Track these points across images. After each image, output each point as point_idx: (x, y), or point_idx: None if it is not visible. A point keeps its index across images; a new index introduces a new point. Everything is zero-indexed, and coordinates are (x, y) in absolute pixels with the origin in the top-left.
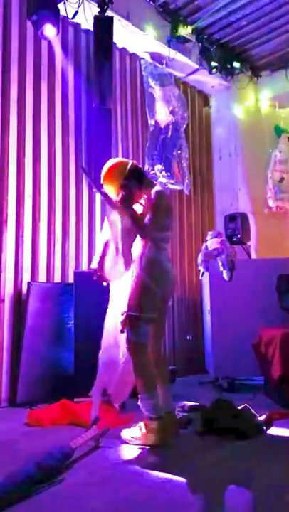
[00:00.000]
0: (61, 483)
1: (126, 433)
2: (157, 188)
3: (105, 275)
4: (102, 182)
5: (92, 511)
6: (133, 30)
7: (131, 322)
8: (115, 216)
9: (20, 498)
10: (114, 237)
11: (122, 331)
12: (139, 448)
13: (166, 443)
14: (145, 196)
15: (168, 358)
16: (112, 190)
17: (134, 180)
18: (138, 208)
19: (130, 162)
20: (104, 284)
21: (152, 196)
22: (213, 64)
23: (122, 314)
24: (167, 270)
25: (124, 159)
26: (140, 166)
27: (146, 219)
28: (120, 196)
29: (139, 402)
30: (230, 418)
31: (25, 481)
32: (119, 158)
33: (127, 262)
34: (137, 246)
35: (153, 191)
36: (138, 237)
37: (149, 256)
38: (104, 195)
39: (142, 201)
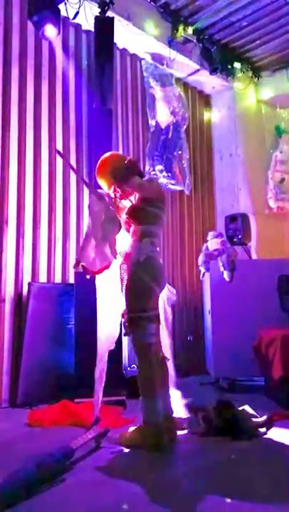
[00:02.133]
0: (62, 484)
1: (123, 435)
2: (147, 179)
3: (89, 266)
4: (96, 174)
5: None
6: (134, 31)
7: (135, 324)
8: (98, 206)
9: (21, 498)
10: (98, 227)
11: (126, 334)
12: (138, 450)
13: (163, 447)
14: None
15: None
16: (103, 183)
17: (128, 174)
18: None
19: (126, 158)
20: (88, 276)
21: (146, 187)
22: (214, 64)
23: (123, 317)
24: (161, 267)
25: (118, 153)
26: (134, 160)
27: (140, 215)
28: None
29: (140, 404)
30: (226, 419)
31: (25, 482)
32: (113, 152)
33: (113, 250)
34: (128, 242)
35: (145, 179)
36: (128, 235)
37: (146, 253)
38: (87, 184)
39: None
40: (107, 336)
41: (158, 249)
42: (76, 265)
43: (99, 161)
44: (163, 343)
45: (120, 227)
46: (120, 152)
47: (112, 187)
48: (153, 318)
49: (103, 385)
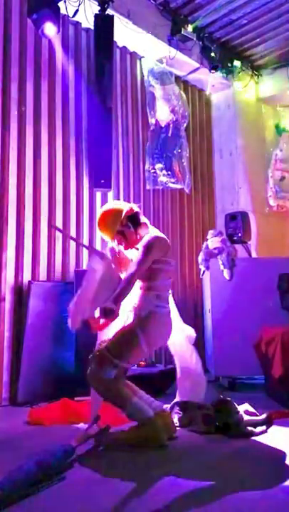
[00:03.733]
0: (62, 482)
1: (122, 434)
2: (153, 233)
3: (73, 319)
4: (98, 227)
5: (93, 510)
6: (134, 29)
7: (104, 360)
8: (98, 265)
9: (21, 496)
10: (92, 284)
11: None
12: (138, 447)
13: (163, 443)
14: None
15: (167, 357)
16: (106, 236)
17: (131, 225)
18: (134, 253)
19: (127, 207)
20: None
21: (145, 240)
22: (214, 63)
23: (100, 345)
24: (166, 324)
25: (119, 205)
26: (137, 210)
27: (133, 263)
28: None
29: (128, 417)
30: (230, 417)
31: (26, 480)
32: (114, 204)
33: (94, 309)
34: (135, 294)
35: (146, 237)
36: (136, 285)
37: (149, 308)
38: (88, 247)
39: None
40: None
41: (169, 302)
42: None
43: (99, 214)
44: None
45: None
46: (120, 151)
47: (116, 239)
48: (119, 367)
49: None
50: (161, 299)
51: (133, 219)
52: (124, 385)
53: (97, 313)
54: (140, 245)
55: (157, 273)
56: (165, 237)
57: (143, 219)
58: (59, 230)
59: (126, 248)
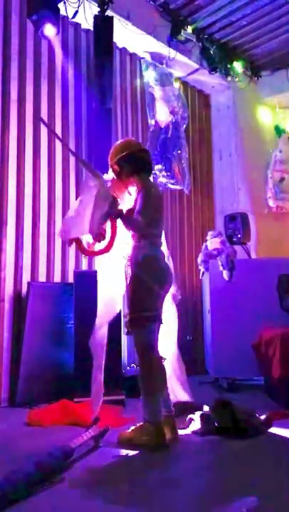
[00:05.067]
0: (61, 483)
1: (124, 435)
2: (147, 181)
3: (66, 233)
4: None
5: (92, 511)
6: (133, 30)
7: (135, 323)
8: (94, 182)
9: (20, 498)
10: (87, 202)
11: (128, 334)
12: (139, 449)
13: (164, 446)
14: (135, 187)
15: None
16: (109, 161)
17: (128, 164)
18: (128, 198)
19: (136, 147)
20: (70, 246)
21: (141, 188)
22: (214, 64)
23: (125, 316)
24: (165, 267)
25: (131, 141)
26: (148, 155)
27: (136, 213)
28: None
29: (141, 403)
30: (230, 418)
31: (25, 481)
32: (128, 139)
33: (92, 225)
34: (129, 243)
35: (143, 183)
36: (128, 234)
37: (145, 253)
38: (81, 160)
39: (133, 191)
40: (107, 308)
41: (163, 248)
42: (70, 243)
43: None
44: (166, 341)
45: (112, 204)
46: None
47: (113, 168)
48: (153, 318)
49: (103, 370)
50: (154, 245)
51: (134, 159)
52: (161, 377)
53: (90, 239)
54: (137, 194)
55: (148, 221)
56: (155, 183)
57: (146, 167)
58: (45, 124)
59: (117, 179)
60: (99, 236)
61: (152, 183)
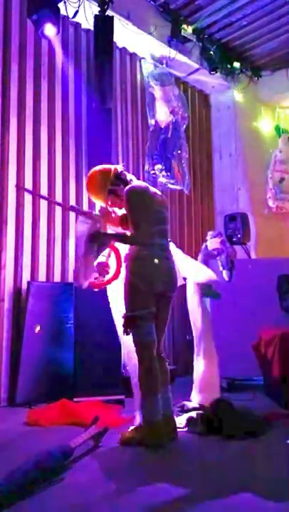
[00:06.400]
0: (60, 483)
1: (124, 435)
2: (128, 186)
3: (80, 281)
4: (87, 192)
5: (92, 511)
6: (133, 30)
7: (130, 323)
8: (86, 224)
9: (20, 497)
10: (81, 244)
11: (126, 333)
12: (137, 449)
13: (162, 445)
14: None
15: (168, 358)
16: (99, 199)
17: (121, 182)
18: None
19: (112, 167)
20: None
21: (124, 195)
22: (214, 64)
23: (123, 317)
24: (160, 266)
25: (104, 167)
26: (122, 169)
27: (130, 225)
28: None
29: (139, 402)
30: (236, 417)
31: (24, 481)
32: (99, 167)
33: (82, 272)
34: (124, 246)
35: (124, 191)
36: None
37: (133, 254)
38: (75, 209)
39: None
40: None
41: (163, 245)
42: (88, 287)
43: (87, 179)
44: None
45: (94, 238)
46: (120, 151)
47: (109, 201)
48: (145, 317)
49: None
50: (146, 245)
51: (121, 177)
52: (160, 375)
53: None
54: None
55: (136, 223)
56: (140, 183)
57: (129, 176)
58: (29, 191)
59: (120, 207)
60: (102, 271)
61: (131, 188)
